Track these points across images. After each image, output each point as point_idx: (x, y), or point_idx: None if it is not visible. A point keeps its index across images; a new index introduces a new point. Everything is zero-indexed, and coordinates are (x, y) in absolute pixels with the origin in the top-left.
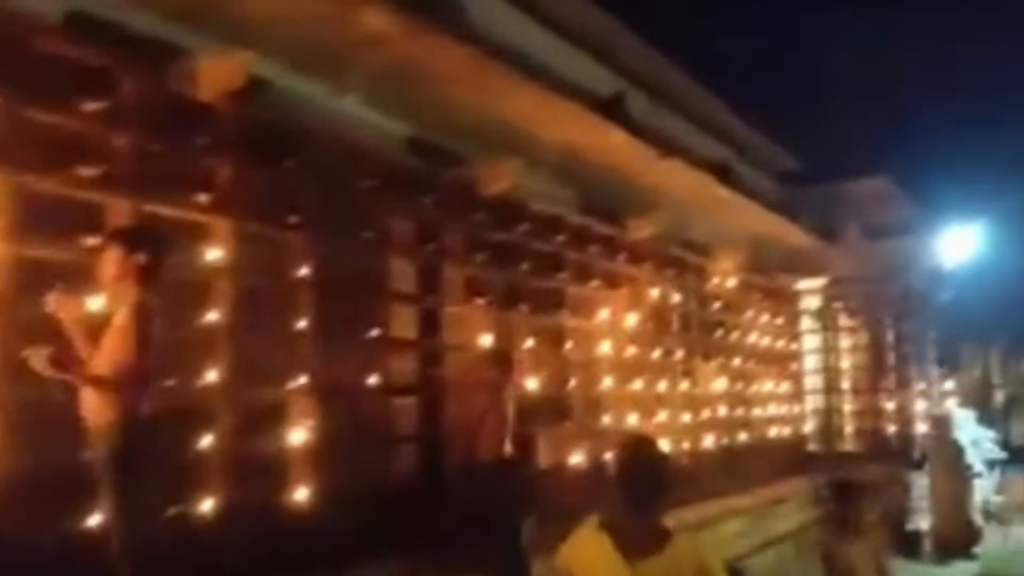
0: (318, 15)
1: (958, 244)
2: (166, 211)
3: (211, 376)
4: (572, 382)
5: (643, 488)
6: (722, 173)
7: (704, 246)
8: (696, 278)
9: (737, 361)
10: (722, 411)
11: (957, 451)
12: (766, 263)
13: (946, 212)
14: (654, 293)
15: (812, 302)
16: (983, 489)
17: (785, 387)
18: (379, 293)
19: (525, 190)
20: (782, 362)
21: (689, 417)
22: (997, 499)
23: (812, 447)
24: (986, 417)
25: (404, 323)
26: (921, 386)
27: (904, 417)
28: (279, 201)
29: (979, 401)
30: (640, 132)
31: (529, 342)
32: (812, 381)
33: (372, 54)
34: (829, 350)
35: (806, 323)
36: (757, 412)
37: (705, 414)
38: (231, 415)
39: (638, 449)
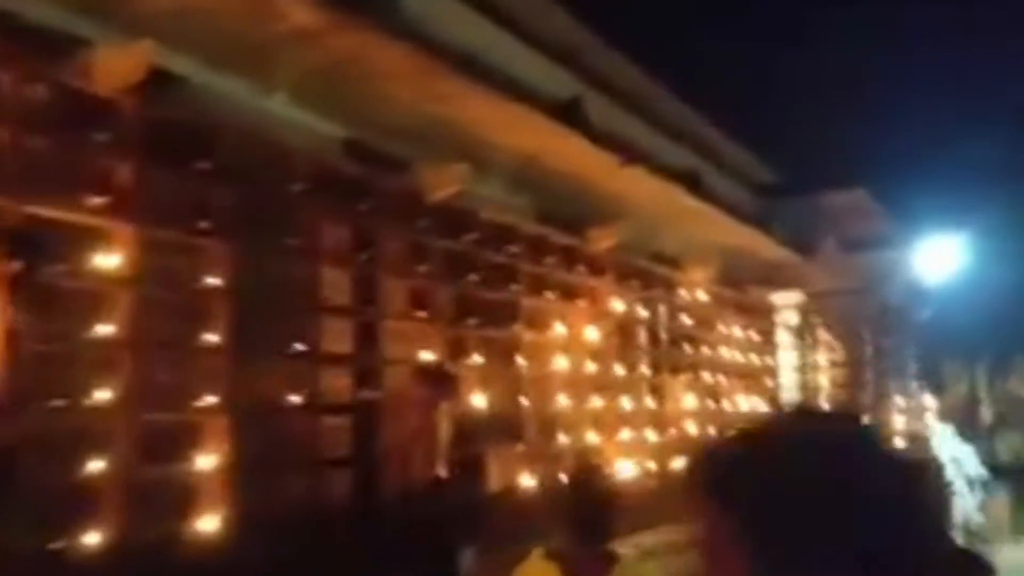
0: (237, 7)
1: (938, 258)
2: (50, 214)
3: (104, 396)
4: (525, 399)
5: (590, 517)
6: (691, 182)
7: (674, 258)
8: (665, 290)
9: (708, 377)
10: (692, 430)
11: (935, 468)
12: (740, 276)
13: (925, 225)
14: (617, 306)
15: (788, 317)
16: (965, 508)
17: (759, 404)
18: (307, 305)
19: (475, 197)
20: (756, 378)
21: (656, 436)
22: (979, 518)
23: None
24: (973, 434)
25: (337, 337)
26: (900, 402)
27: (882, 434)
28: (190, 205)
29: (965, 418)
30: (600, 138)
31: (477, 357)
32: (788, 398)
33: (299, 49)
34: (806, 366)
35: (782, 338)
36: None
37: (673, 433)
38: (126, 439)
39: (584, 477)
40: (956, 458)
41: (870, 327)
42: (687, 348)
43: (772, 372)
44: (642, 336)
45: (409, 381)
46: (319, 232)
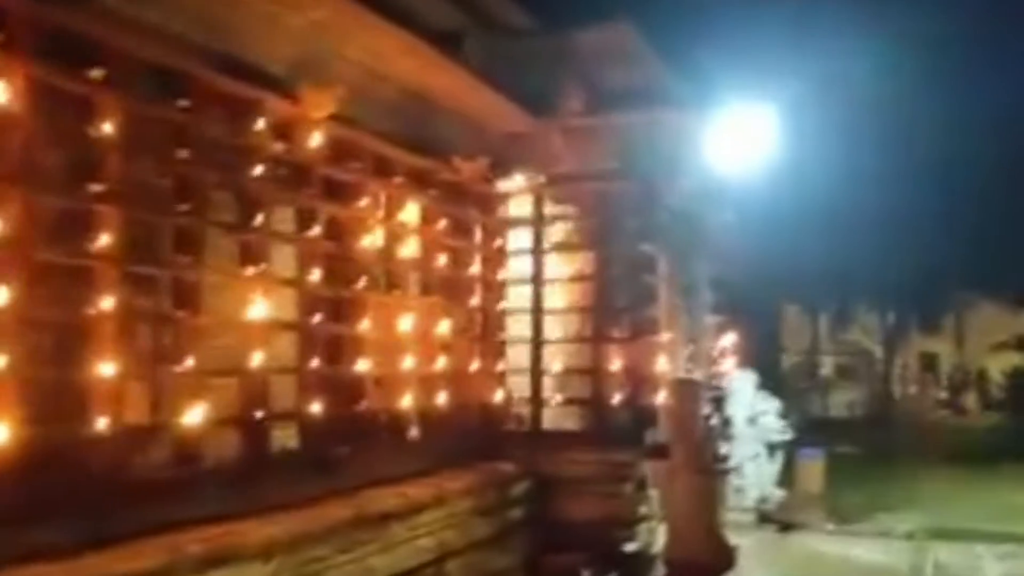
0: None
1: (739, 139)
2: None
3: None
4: None
5: None
6: None
7: (278, 77)
8: (236, 122)
9: (318, 276)
10: (285, 359)
11: (707, 433)
12: (438, 141)
13: (719, 89)
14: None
15: (520, 209)
16: (759, 482)
17: (447, 329)
18: None
19: None
20: (451, 293)
21: (165, 375)
22: (778, 494)
23: (509, 423)
24: (811, 386)
25: None
26: (672, 337)
27: (640, 380)
28: None
29: (805, 369)
30: None
31: None
32: (515, 326)
33: None
34: (539, 281)
35: (514, 239)
36: (375, 364)
37: (196, 365)
38: None
39: None
40: (754, 417)
41: (632, 226)
42: (282, 224)
43: (494, 288)
44: (159, 192)
45: None
46: None
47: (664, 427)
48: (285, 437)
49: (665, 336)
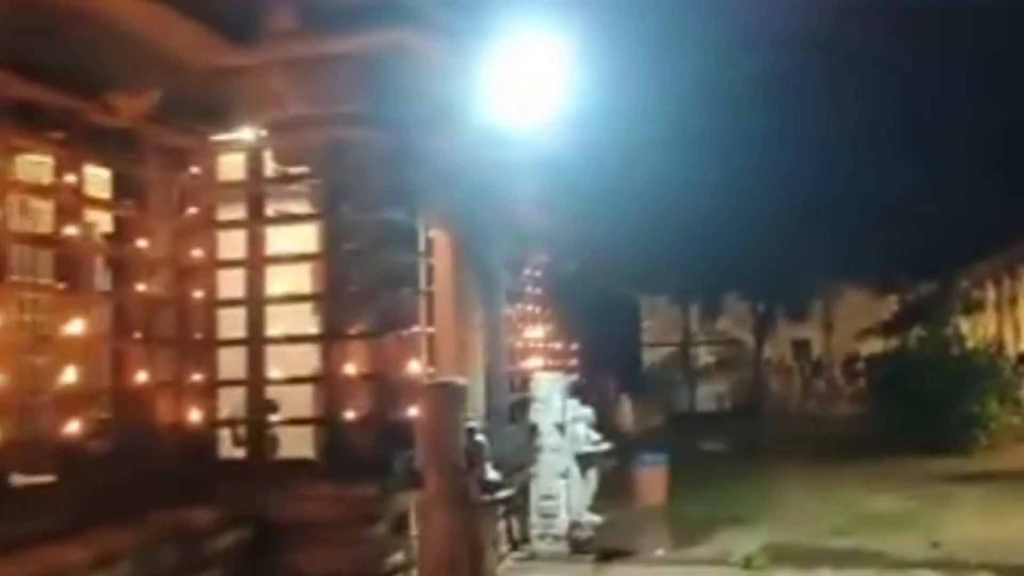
0: None
1: (530, 77)
2: None
3: None
4: None
5: None
6: None
7: None
8: None
9: None
10: None
11: (471, 453)
12: (82, 71)
13: (501, 16)
14: None
15: (235, 168)
16: (571, 504)
17: (102, 328)
18: None
19: None
20: (108, 277)
21: None
22: (592, 518)
23: (221, 453)
24: (683, 379)
25: None
26: (445, 332)
27: (390, 389)
28: None
29: (678, 363)
30: None
31: None
32: (228, 323)
33: None
34: (256, 262)
35: (229, 211)
36: None
37: None
38: None
39: None
40: (564, 426)
41: (383, 188)
42: None
43: (188, 269)
44: None
45: None
46: None
47: (420, 448)
48: None
49: (424, 330)
